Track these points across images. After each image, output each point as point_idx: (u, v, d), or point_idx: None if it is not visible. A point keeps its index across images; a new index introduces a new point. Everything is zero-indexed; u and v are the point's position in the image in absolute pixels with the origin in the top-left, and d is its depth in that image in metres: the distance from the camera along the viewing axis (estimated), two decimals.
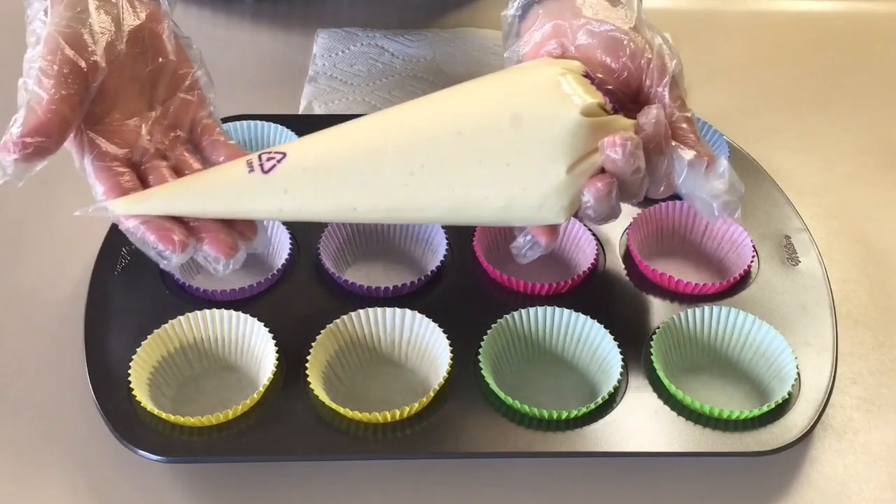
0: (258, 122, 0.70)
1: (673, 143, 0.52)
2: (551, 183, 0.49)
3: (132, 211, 0.49)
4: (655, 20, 0.91)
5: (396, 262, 0.64)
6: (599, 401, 0.53)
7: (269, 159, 0.50)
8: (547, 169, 0.49)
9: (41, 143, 0.46)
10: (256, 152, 0.51)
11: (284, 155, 0.50)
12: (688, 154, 0.51)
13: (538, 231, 0.52)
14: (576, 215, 0.52)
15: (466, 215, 0.51)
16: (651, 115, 0.50)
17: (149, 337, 0.55)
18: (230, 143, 0.54)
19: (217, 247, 0.49)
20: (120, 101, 0.51)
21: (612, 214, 0.51)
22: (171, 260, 0.49)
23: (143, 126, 0.51)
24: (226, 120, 0.71)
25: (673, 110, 0.53)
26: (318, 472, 0.54)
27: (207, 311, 0.56)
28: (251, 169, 0.50)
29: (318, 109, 0.77)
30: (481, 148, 0.50)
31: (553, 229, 0.52)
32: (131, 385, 0.53)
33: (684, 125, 0.53)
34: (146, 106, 0.52)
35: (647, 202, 0.65)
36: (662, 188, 0.53)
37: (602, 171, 0.50)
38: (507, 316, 0.57)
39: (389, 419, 0.53)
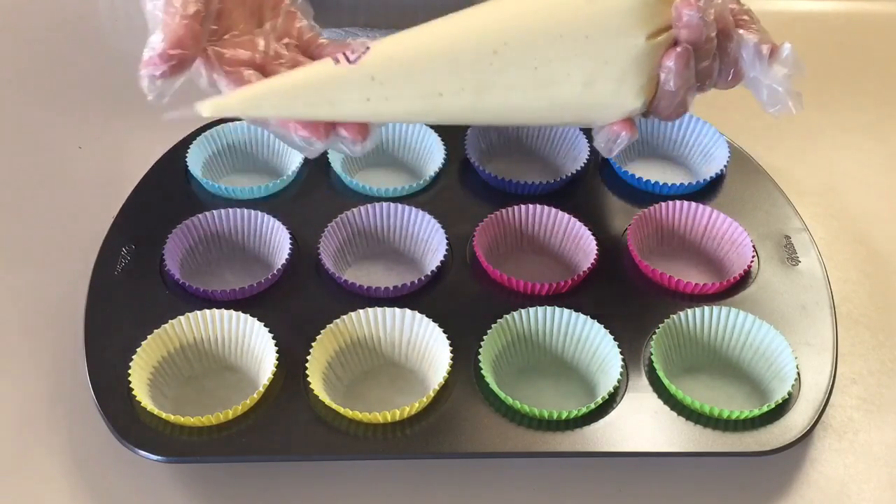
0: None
1: (739, 31, 0.54)
2: (630, 53, 0.51)
3: (221, 113, 0.51)
4: None
5: (396, 262, 0.64)
6: (599, 401, 0.53)
7: (353, 52, 0.52)
8: (625, 38, 0.51)
9: (182, 54, 0.49)
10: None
11: (368, 48, 0.52)
12: (753, 38, 0.53)
13: (619, 126, 0.53)
14: (648, 113, 0.54)
15: (549, 96, 0.52)
16: None
17: (149, 337, 0.55)
18: (336, 43, 0.55)
19: (351, 130, 0.51)
20: (234, 21, 0.54)
21: (686, 100, 0.53)
22: (316, 146, 0.52)
23: (259, 39, 0.54)
24: (226, 120, 0.71)
25: (733, 4, 0.55)
26: (318, 472, 0.54)
27: (207, 311, 0.56)
28: (337, 62, 0.51)
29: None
30: (560, 22, 0.51)
31: (631, 121, 0.54)
32: (131, 385, 0.53)
33: (745, 17, 0.55)
34: (257, 23, 0.55)
35: (648, 202, 0.65)
36: (731, 75, 0.54)
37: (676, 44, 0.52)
38: (507, 316, 0.57)
39: (389, 419, 0.53)
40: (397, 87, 0.52)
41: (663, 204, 0.64)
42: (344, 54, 0.52)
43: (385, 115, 0.53)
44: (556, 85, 0.52)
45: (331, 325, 0.56)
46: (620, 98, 0.52)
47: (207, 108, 0.51)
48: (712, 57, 0.53)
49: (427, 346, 0.56)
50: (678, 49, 0.52)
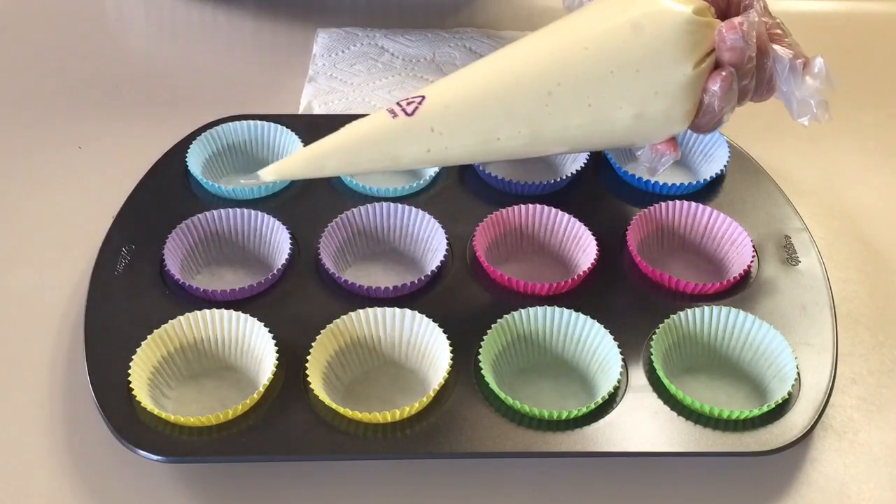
0: (258, 122, 0.70)
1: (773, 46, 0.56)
2: (679, 82, 0.53)
3: (283, 177, 0.53)
4: None
5: (396, 262, 0.64)
6: (599, 401, 0.53)
7: (409, 104, 0.53)
8: (675, 69, 0.53)
9: None
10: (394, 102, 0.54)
11: (423, 97, 0.53)
12: (787, 54, 0.55)
13: (664, 146, 0.56)
14: (692, 126, 0.56)
15: (602, 130, 0.54)
16: (752, 14, 0.54)
17: (149, 337, 0.55)
18: None
19: None
20: None
21: (727, 112, 0.55)
22: None
23: None
24: (226, 120, 0.71)
25: (766, 17, 0.56)
26: (318, 472, 0.54)
27: (207, 311, 0.56)
28: (394, 115, 0.52)
29: (318, 109, 0.77)
30: (609, 59, 0.53)
31: (674, 140, 0.57)
32: (131, 385, 0.53)
33: (778, 31, 0.57)
34: None
35: (648, 202, 0.65)
36: (766, 90, 0.57)
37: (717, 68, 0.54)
38: (507, 316, 0.57)
39: (389, 419, 0.53)
40: (456, 137, 0.53)
41: (663, 204, 0.64)
42: (400, 106, 0.52)
43: (444, 162, 0.54)
44: (608, 119, 0.54)
45: (331, 325, 0.56)
46: (669, 123, 0.54)
47: (271, 174, 0.53)
48: (753, 67, 0.54)
49: (427, 346, 0.56)
50: (723, 73, 0.53)
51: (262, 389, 0.53)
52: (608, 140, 0.57)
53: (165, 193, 0.67)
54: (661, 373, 0.54)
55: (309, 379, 0.53)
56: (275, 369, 0.54)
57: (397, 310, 0.57)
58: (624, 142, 0.57)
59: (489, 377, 0.54)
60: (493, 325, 0.56)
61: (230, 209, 0.63)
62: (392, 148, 0.52)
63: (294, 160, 0.53)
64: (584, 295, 0.60)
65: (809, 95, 0.56)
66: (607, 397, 0.53)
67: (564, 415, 0.53)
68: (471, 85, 0.54)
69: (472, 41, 0.85)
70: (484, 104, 0.53)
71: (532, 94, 0.53)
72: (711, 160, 0.70)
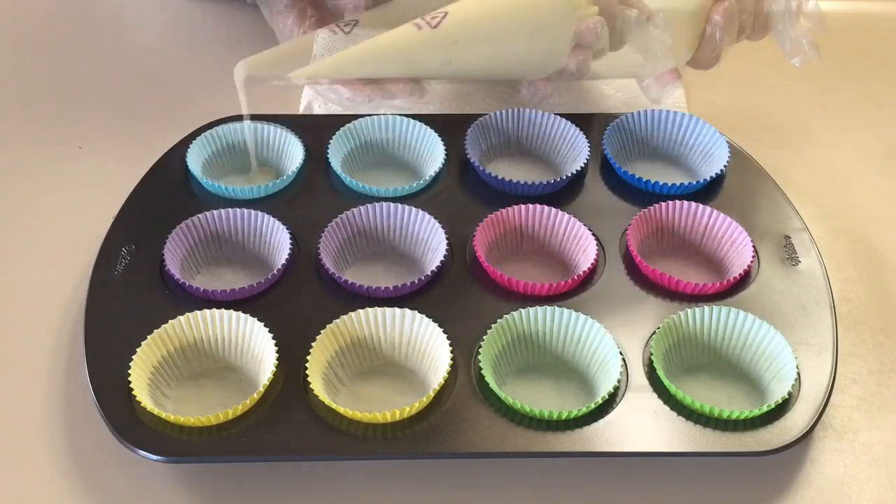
0: (258, 123, 0.70)
1: None
2: (687, 10, 0.60)
3: (312, 76, 0.59)
4: None
5: (396, 263, 0.64)
6: (599, 401, 0.53)
7: (433, 18, 0.57)
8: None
9: None
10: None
11: (446, 13, 0.57)
12: None
13: (668, 75, 0.64)
14: (692, 60, 0.62)
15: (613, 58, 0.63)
16: None
17: (149, 337, 0.55)
18: None
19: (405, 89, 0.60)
20: None
21: (726, 46, 0.60)
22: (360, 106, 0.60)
23: None
24: (226, 120, 0.71)
25: None
26: (318, 472, 0.54)
27: (207, 311, 0.56)
28: (419, 27, 0.57)
29: (319, 109, 0.77)
30: None
31: (678, 70, 0.65)
32: (131, 385, 0.53)
33: None
34: None
35: (648, 202, 0.65)
36: (762, 27, 0.61)
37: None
38: (507, 316, 0.57)
39: (389, 419, 0.53)
40: (477, 48, 0.58)
41: (663, 204, 0.64)
42: (424, 20, 0.56)
43: (465, 71, 0.60)
44: (504, 51, 0.60)
45: (331, 325, 0.56)
46: (676, 51, 0.59)
47: (302, 75, 0.58)
48: (750, 11, 0.56)
49: (427, 346, 0.56)
50: (726, 4, 0.55)
51: (262, 389, 0.53)
52: (620, 69, 0.63)
53: (165, 193, 0.67)
54: (661, 373, 0.54)
55: (309, 379, 0.53)
56: (275, 369, 0.54)
57: (397, 310, 0.57)
58: (636, 68, 0.63)
59: (489, 377, 0.54)
60: (493, 325, 0.56)
61: (230, 209, 0.63)
62: (417, 56, 0.57)
63: (323, 64, 0.57)
64: (584, 295, 0.60)
65: (802, 35, 0.60)
66: (607, 397, 0.53)
67: (564, 415, 0.53)
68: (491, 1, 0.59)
69: None
70: (502, 20, 0.58)
71: (550, 7, 0.58)
72: (711, 160, 0.70)
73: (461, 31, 0.59)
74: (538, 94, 0.66)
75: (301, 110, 0.77)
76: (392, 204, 0.63)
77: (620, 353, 0.55)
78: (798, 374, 0.55)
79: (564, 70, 0.64)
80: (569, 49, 0.63)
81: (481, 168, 0.67)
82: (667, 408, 0.54)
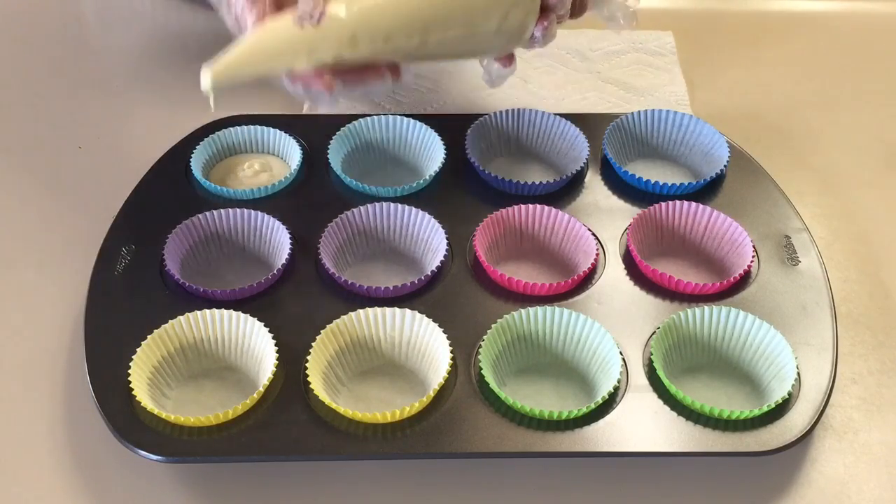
0: (258, 126, 0.70)
1: None
2: None
3: (219, 83, 0.58)
4: (656, 20, 0.91)
5: (396, 263, 0.64)
6: (599, 401, 0.53)
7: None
8: None
9: None
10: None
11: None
12: None
13: (506, 59, 0.66)
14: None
15: (472, 35, 0.61)
16: None
17: (149, 337, 0.55)
18: None
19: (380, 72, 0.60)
20: None
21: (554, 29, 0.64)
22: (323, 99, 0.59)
23: None
24: (226, 120, 0.71)
25: None
26: (318, 472, 0.54)
27: (207, 311, 0.56)
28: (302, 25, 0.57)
29: (323, 109, 0.77)
30: None
31: (514, 55, 0.66)
32: (131, 385, 0.53)
33: None
34: None
35: (648, 202, 0.65)
36: (579, 7, 0.66)
37: None
38: (507, 316, 0.57)
39: (389, 419, 0.53)
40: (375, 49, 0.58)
41: (663, 204, 0.64)
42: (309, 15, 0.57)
43: (425, 55, 0.60)
44: (479, 26, 0.60)
45: (331, 325, 0.56)
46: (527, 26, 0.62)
47: (205, 81, 0.57)
48: None
49: (427, 346, 0.56)
50: None
51: (262, 389, 0.53)
52: (477, 48, 0.63)
53: (165, 193, 0.67)
54: (661, 373, 0.54)
55: (309, 379, 0.53)
56: (275, 369, 0.54)
57: (397, 310, 0.57)
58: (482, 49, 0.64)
59: (489, 377, 0.54)
60: (493, 325, 0.56)
61: (230, 209, 0.63)
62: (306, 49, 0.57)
63: (218, 65, 0.57)
64: (584, 295, 0.60)
65: (616, 9, 0.66)
66: (607, 397, 0.53)
67: (564, 415, 0.53)
68: None
69: None
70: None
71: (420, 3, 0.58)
72: (711, 160, 0.70)
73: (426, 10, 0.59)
74: (497, 72, 0.67)
75: (305, 110, 0.77)
76: (392, 204, 0.63)
77: (620, 353, 0.55)
78: (798, 374, 0.55)
79: (533, 37, 0.65)
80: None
81: (481, 168, 0.67)
82: (667, 408, 0.54)
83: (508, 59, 0.66)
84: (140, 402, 0.52)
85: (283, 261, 0.61)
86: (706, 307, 0.57)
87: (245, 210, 0.63)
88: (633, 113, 0.71)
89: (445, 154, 0.68)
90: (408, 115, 0.70)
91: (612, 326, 0.57)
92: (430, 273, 0.60)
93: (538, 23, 0.63)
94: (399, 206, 0.63)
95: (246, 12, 0.58)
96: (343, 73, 0.59)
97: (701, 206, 0.64)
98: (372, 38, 0.58)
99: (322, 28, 0.57)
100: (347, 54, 0.58)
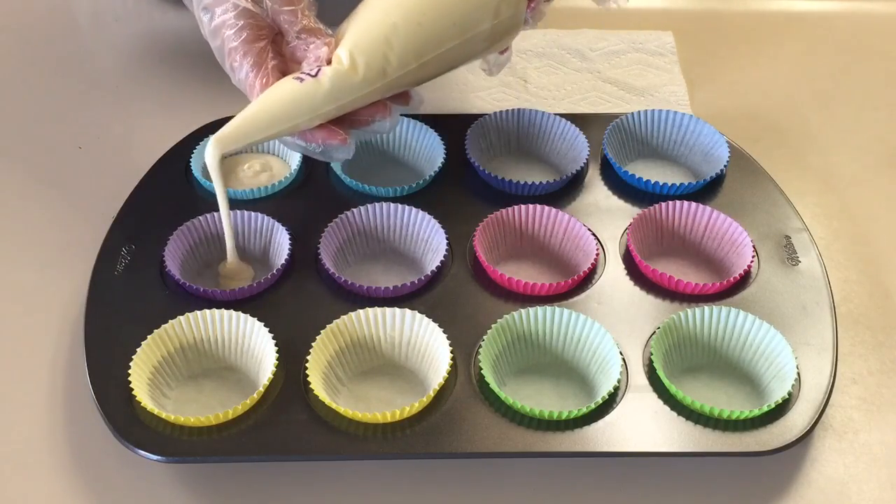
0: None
1: None
2: None
3: (224, 150, 0.57)
4: (656, 20, 0.91)
5: (396, 263, 0.64)
6: (599, 401, 0.53)
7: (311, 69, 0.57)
8: None
9: None
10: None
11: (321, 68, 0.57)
12: None
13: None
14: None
15: (467, 38, 0.60)
16: None
17: (149, 337, 0.55)
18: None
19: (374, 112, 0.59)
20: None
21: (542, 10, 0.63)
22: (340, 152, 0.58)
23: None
24: (226, 120, 0.71)
25: None
26: (318, 472, 0.54)
27: (207, 311, 0.56)
28: (301, 80, 0.56)
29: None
30: None
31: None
32: (131, 385, 0.53)
33: None
34: None
35: (648, 202, 0.65)
36: None
37: None
38: (507, 316, 0.57)
39: (389, 419, 0.53)
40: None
41: (663, 204, 0.64)
42: (308, 73, 0.56)
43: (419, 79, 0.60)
44: (472, 32, 0.60)
45: (331, 325, 0.56)
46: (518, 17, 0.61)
47: (211, 153, 0.56)
48: None
49: (427, 346, 0.56)
50: None
51: (262, 389, 0.53)
52: (469, 54, 0.62)
53: (165, 193, 0.67)
54: (661, 373, 0.54)
55: (309, 379, 0.53)
56: (275, 369, 0.54)
57: (397, 310, 0.57)
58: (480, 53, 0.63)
59: (489, 377, 0.54)
60: (493, 325, 0.56)
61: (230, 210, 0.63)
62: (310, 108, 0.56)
63: (224, 133, 0.56)
64: (584, 295, 0.60)
65: None
66: (607, 397, 0.53)
67: (564, 415, 0.53)
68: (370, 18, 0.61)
69: None
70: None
71: (408, 29, 0.58)
72: (711, 160, 0.70)
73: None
74: (495, 60, 0.66)
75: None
76: (392, 204, 0.63)
77: (620, 353, 0.55)
78: (798, 374, 0.55)
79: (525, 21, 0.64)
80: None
81: (481, 168, 0.67)
82: (667, 408, 0.54)
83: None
84: (140, 402, 0.52)
85: (283, 261, 0.61)
86: (706, 307, 0.57)
87: (245, 210, 0.63)
88: (633, 113, 0.71)
89: (445, 154, 0.68)
90: (408, 116, 0.70)
91: (612, 326, 0.57)
92: (430, 273, 0.60)
93: (529, 6, 0.63)
94: (399, 206, 0.63)
95: (252, 78, 0.57)
96: (349, 122, 0.58)
97: (701, 206, 0.64)
98: (371, 81, 0.57)
99: (322, 81, 0.56)
100: (349, 102, 0.57)
